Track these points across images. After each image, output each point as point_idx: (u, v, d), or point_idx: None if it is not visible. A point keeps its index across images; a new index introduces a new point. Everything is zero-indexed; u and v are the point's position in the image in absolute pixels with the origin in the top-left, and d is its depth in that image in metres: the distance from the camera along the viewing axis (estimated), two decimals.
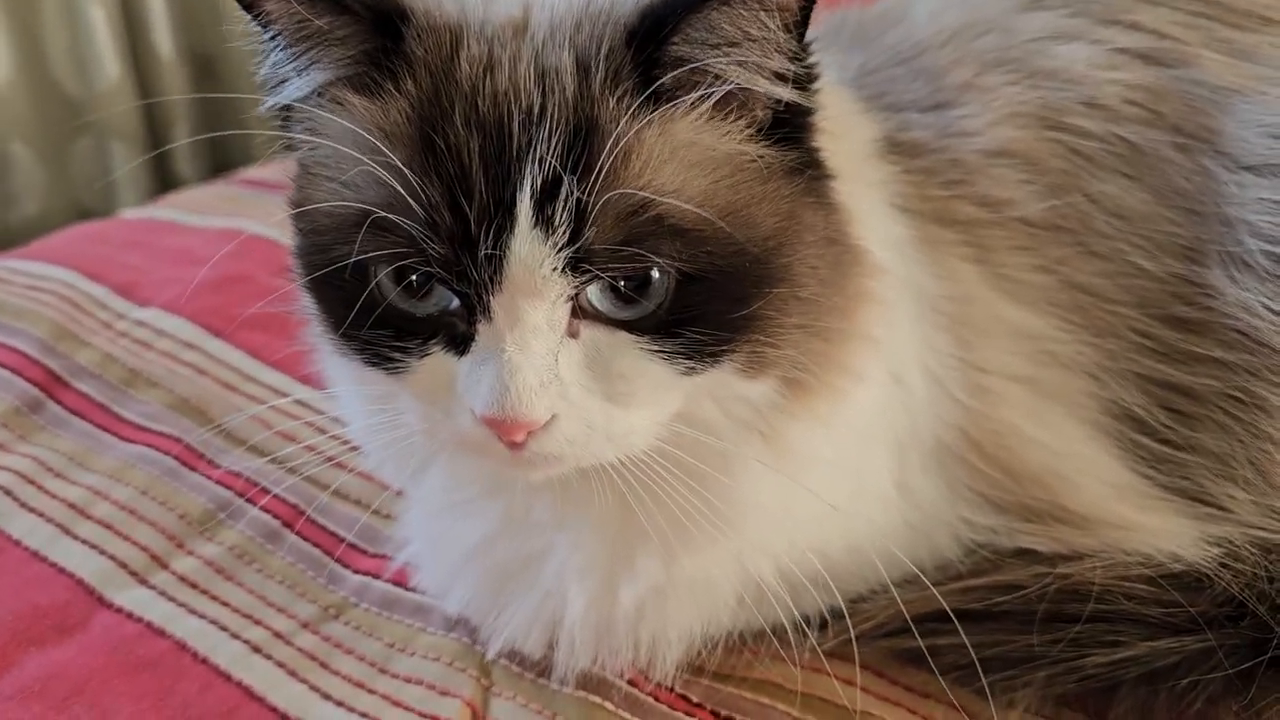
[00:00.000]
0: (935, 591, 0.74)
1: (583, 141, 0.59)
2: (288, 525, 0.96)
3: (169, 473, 1.02)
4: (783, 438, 0.70)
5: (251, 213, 1.47)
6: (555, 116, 0.59)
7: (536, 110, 0.60)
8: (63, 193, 2.20)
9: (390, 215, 0.59)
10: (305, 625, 0.87)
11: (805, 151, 0.67)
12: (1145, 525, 0.80)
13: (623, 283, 0.61)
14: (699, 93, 0.61)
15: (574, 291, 0.60)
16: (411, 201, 0.59)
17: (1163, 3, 0.86)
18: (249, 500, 0.97)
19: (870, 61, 0.90)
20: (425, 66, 0.62)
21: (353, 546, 0.93)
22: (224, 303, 1.23)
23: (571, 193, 0.58)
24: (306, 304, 0.74)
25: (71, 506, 0.98)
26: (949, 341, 0.80)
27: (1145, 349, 0.81)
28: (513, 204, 0.58)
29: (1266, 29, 0.84)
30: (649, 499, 0.66)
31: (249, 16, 0.64)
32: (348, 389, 0.77)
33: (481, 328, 0.62)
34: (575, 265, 0.59)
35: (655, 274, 0.61)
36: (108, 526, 0.96)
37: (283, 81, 0.66)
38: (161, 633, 0.86)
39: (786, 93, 0.63)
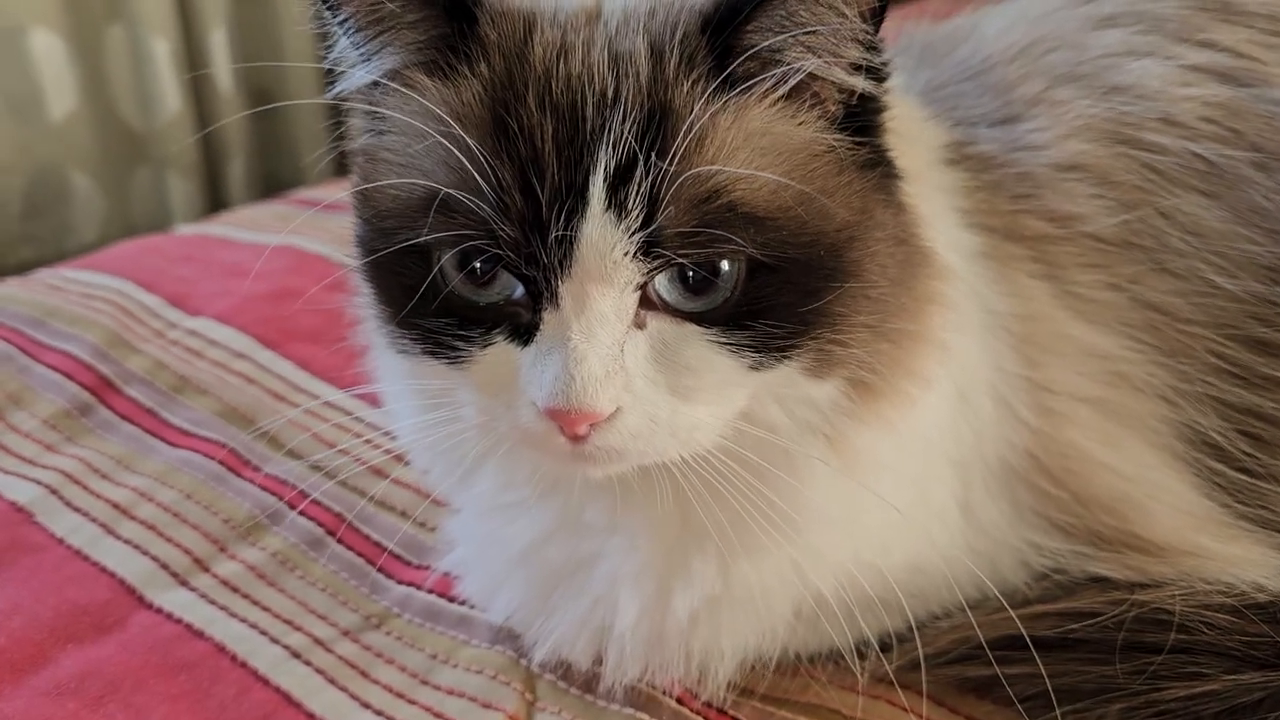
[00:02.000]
0: (1013, 614, 0.71)
1: (656, 125, 0.58)
2: (331, 533, 0.94)
3: (214, 477, 1.01)
4: (848, 442, 0.67)
5: (304, 230, 1.47)
6: (629, 100, 0.59)
7: (610, 94, 0.59)
8: (120, 221, 2.23)
9: (460, 195, 0.58)
10: (346, 633, 0.85)
11: (876, 148, 0.66)
12: (1225, 554, 0.76)
13: (692, 272, 0.59)
14: (773, 79, 0.60)
15: (644, 279, 0.59)
16: (482, 182, 0.58)
17: (1239, 22, 0.84)
18: (292, 506, 0.96)
19: (938, 77, 0.89)
20: (498, 50, 0.62)
21: (396, 557, 0.92)
22: (276, 314, 1.23)
23: (645, 174, 0.57)
24: (363, 298, 0.73)
25: (115, 507, 0.98)
26: (1015, 360, 0.77)
27: (1222, 371, 0.78)
28: (585, 187, 0.58)
29: None
30: (710, 498, 0.64)
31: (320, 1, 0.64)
32: (398, 386, 0.75)
33: (547, 316, 0.60)
34: (647, 250, 0.58)
35: (725, 264, 0.59)
36: (151, 528, 0.95)
37: (352, 66, 0.66)
38: (200, 634, 0.84)
39: (860, 83, 0.63)
